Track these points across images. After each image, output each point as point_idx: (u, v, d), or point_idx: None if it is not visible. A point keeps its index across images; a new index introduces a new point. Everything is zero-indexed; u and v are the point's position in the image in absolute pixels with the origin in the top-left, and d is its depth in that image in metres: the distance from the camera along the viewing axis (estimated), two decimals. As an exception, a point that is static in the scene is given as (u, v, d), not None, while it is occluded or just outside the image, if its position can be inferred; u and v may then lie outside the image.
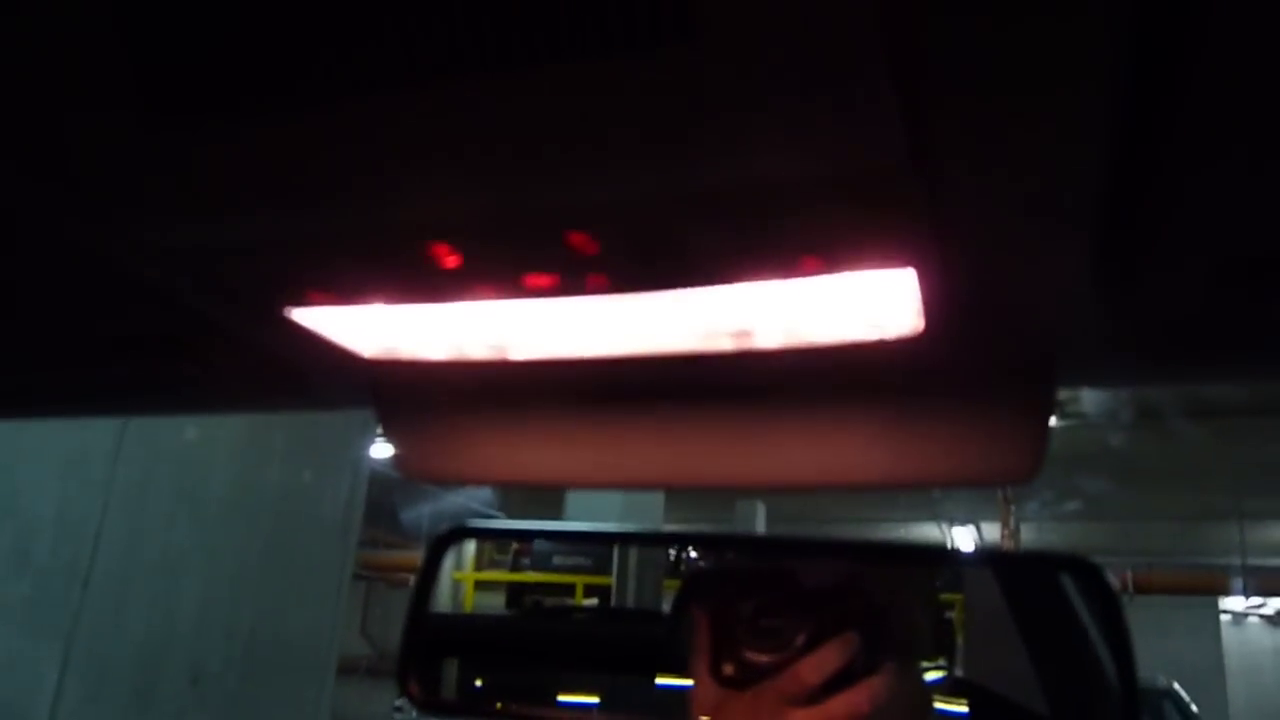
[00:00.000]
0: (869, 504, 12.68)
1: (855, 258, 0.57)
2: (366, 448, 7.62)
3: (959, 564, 1.33)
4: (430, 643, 1.03)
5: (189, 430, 5.44)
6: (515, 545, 13.54)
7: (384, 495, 12.68)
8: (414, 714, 13.26)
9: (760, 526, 13.30)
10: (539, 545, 12.80)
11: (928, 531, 14.89)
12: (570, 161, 0.51)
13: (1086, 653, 1.31)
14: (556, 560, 12.69)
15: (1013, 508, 12.90)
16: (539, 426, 0.89)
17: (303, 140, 0.52)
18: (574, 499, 7.63)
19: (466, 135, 0.50)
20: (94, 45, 0.49)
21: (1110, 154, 0.49)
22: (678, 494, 9.83)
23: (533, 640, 1.28)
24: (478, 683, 0.99)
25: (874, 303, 0.65)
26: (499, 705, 1.13)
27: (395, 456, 0.93)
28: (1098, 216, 0.55)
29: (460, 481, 0.95)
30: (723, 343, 0.73)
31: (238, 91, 0.49)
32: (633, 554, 8.15)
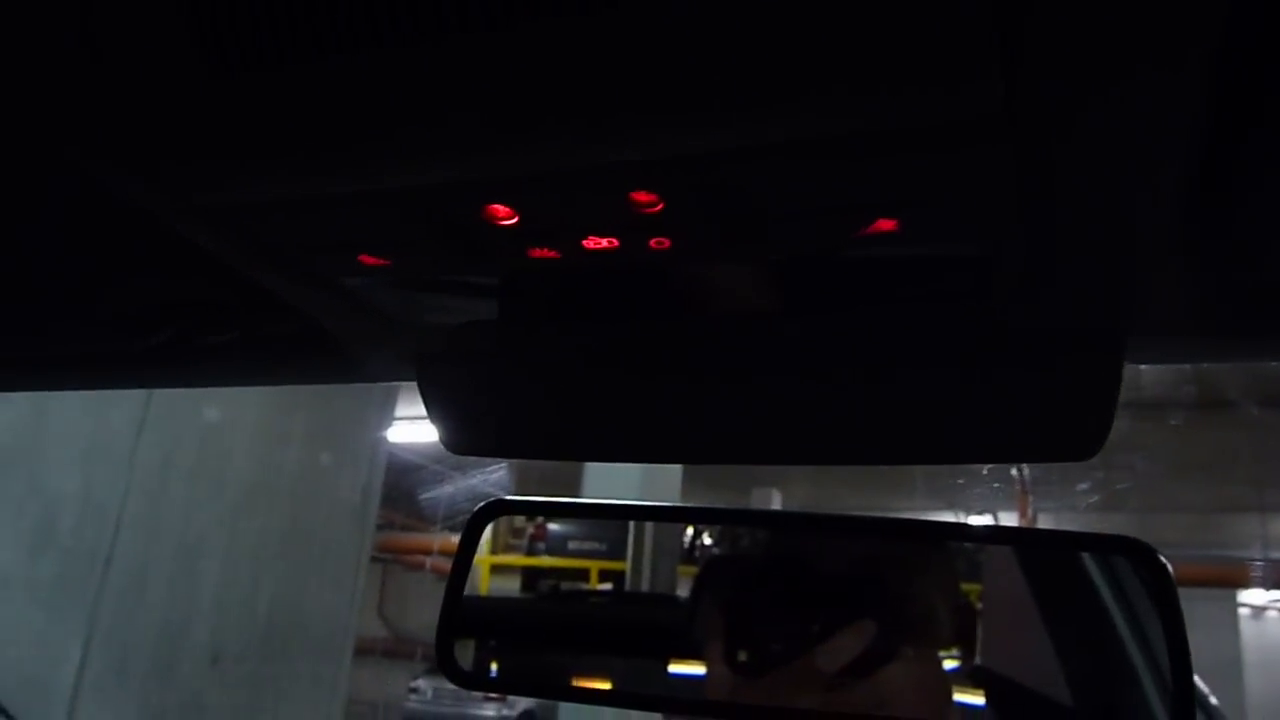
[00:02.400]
0: (885, 492, 12.63)
1: (931, 218, 0.55)
2: (384, 431, 7.65)
3: (1000, 543, 1.31)
4: (467, 622, 1.02)
5: (210, 413, 5.48)
6: (531, 530, 13.57)
7: (401, 478, 12.73)
8: (429, 695, 13.32)
9: (776, 514, 13.19)
10: (554, 530, 12.84)
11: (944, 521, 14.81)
12: (638, 115, 0.48)
13: (1112, 641, 1.30)
14: (572, 545, 12.72)
15: (1030, 498, 12.83)
16: (589, 400, 0.87)
17: (359, 96, 0.50)
18: (591, 480, 7.62)
19: (530, 87, 0.48)
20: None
21: (1204, 125, 0.48)
22: (693, 478, 9.82)
23: (559, 622, 1.28)
24: (494, 666, 0.99)
25: (943, 267, 0.63)
26: (538, 683, 1.12)
27: (438, 429, 0.93)
28: (1185, 187, 0.53)
29: (505, 455, 0.94)
30: (780, 310, 0.71)
31: (294, 45, 0.47)
32: (648, 539, 8.16)
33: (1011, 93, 0.44)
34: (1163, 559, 0.84)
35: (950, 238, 0.58)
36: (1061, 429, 0.74)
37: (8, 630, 4.24)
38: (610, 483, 7.26)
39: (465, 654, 1.03)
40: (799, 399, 0.80)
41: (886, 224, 0.55)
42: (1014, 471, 11.44)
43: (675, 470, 7.83)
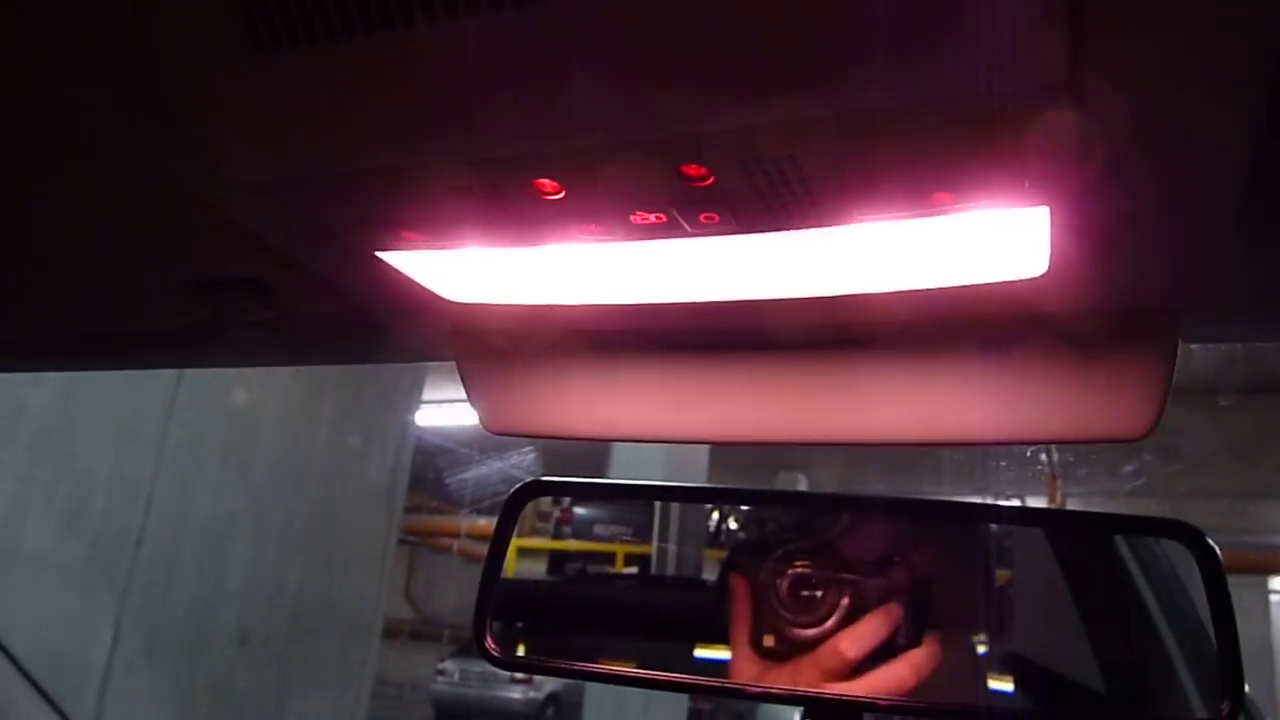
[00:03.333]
0: (913, 474, 12.58)
1: (990, 192, 0.53)
2: (412, 414, 7.70)
3: (1041, 525, 1.29)
4: (503, 603, 1.03)
5: (239, 394, 5.53)
6: (557, 515, 13.64)
7: (428, 461, 12.82)
8: (456, 676, 13.40)
9: (802, 498, 13.19)
10: (580, 514, 12.90)
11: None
12: (691, 87, 0.47)
13: (1145, 626, 1.29)
14: (598, 529, 12.78)
15: (1059, 483, 12.74)
16: (631, 378, 0.86)
17: (405, 70, 0.50)
18: (618, 461, 7.64)
19: (578, 59, 0.47)
20: None
21: (1268, 101, 0.46)
22: (718, 461, 9.81)
23: (589, 604, 1.28)
24: (527, 647, 0.99)
25: (998, 242, 0.61)
26: (575, 664, 1.12)
27: (476, 410, 0.92)
28: (1244, 164, 0.52)
29: (545, 436, 0.92)
30: (829, 286, 0.70)
31: (341, 19, 0.47)
32: (673, 523, 8.19)
33: (1078, 61, 0.43)
34: (1211, 542, 0.82)
35: (1006, 211, 0.56)
36: (1113, 408, 0.72)
37: (41, 610, 4.30)
38: (636, 466, 7.27)
39: (499, 635, 1.03)
40: (847, 377, 0.79)
41: (944, 199, 0.54)
42: (1043, 455, 11.36)
43: (701, 453, 7.84)
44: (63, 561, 4.48)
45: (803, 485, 13.55)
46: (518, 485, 1.03)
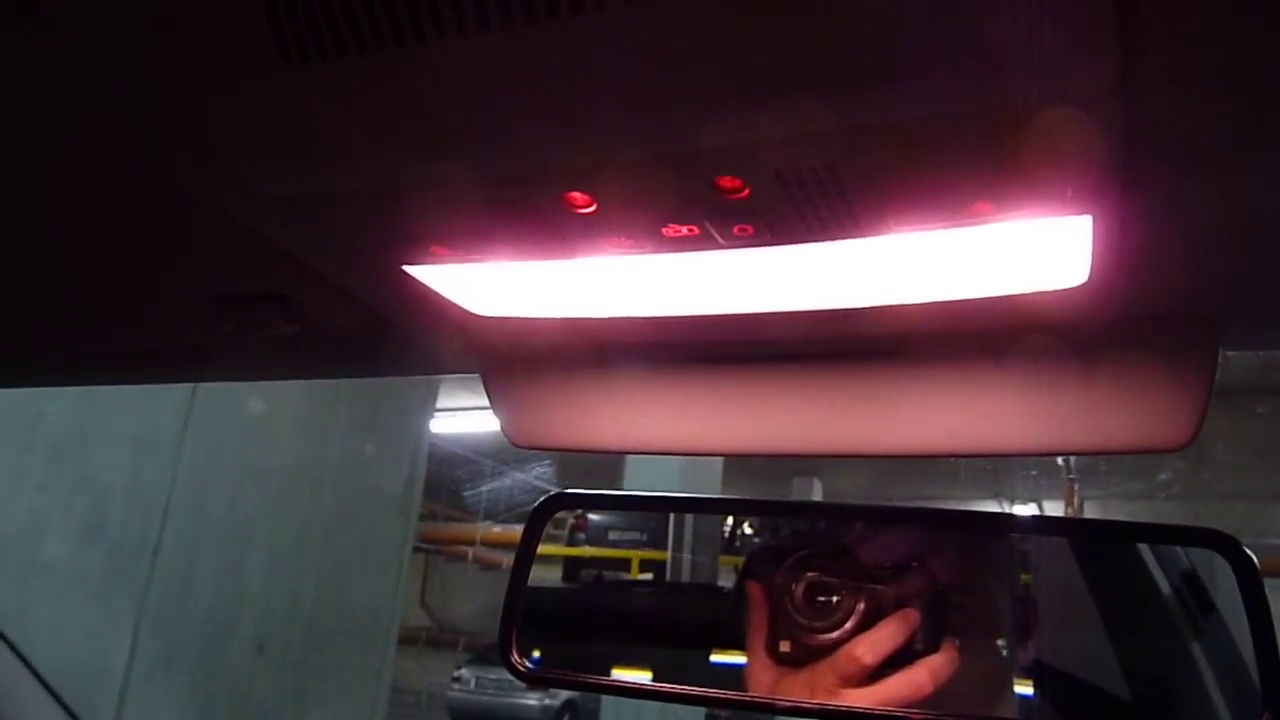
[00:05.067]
0: (930, 480, 12.55)
1: (1032, 201, 0.52)
2: (427, 423, 7.72)
3: (1071, 535, 1.28)
4: (528, 613, 1.02)
5: (255, 404, 5.55)
6: (572, 521, 13.64)
7: (443, 470, 12.85)
8: (472, 684, 13.37)
9: (817, 504, 13.17)
10: (595, 521, 12.90)
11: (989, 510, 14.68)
12: (727, 98, 0.46)
13: (1170, 635, 1.27)
14: (612, 536, 12.78)
15: (1077, 486, 12.67)
16: (658, 391, 0.85)
17: (434, 84, 0.49)
18: (632, 472, 7.64)
19: (612, 71, 0.46)
20: None
21: None
22: (731, 469, 9.80)
23: (608, 612, 1.28)
24: (535, 653, 0.99)
25: (1036, 251, 0.60)
26: (604, 679, 1.11)
27: (501, 423, 0.91)
28: None
29: (571, 449, 0.92)
30: (860, 298, 0.68)
31: (371, 32, 0.47)
32: (688, 530, 8.18)
33: (1127, 68, 0.42)
34: (1248, 551, 0.81)
35: (1048, 220, 0.55)
36: (1152, 418, 0.71)
37: (59, 619, 4.33)
38: (651, 471, 7.27)
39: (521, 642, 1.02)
40: (879, 388, 0.78)
41: (982, 206, 0.53)
42: (1059, 461, 11.30)
43: (716, 461, 7.82)
44: (81, 571, 4.51)
45: (817, 490, 13.53)
46: (542, 499, 1.03)
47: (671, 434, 0.86)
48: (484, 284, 0.74)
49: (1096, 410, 0.72)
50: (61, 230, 0.81)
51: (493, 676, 12.72)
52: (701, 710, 7.91)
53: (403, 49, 0.47)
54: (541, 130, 0.51)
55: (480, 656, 13.61)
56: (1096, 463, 11.11)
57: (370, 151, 0.55)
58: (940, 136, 0.47)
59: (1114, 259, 0.59)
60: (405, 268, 0.71)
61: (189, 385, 4.95)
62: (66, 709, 1.52)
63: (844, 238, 0.58)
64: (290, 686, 5.83)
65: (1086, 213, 0.54)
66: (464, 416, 11.30)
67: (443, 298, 0.76)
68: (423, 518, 10.55)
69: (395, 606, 6.98)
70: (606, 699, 7.56)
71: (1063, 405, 0.73)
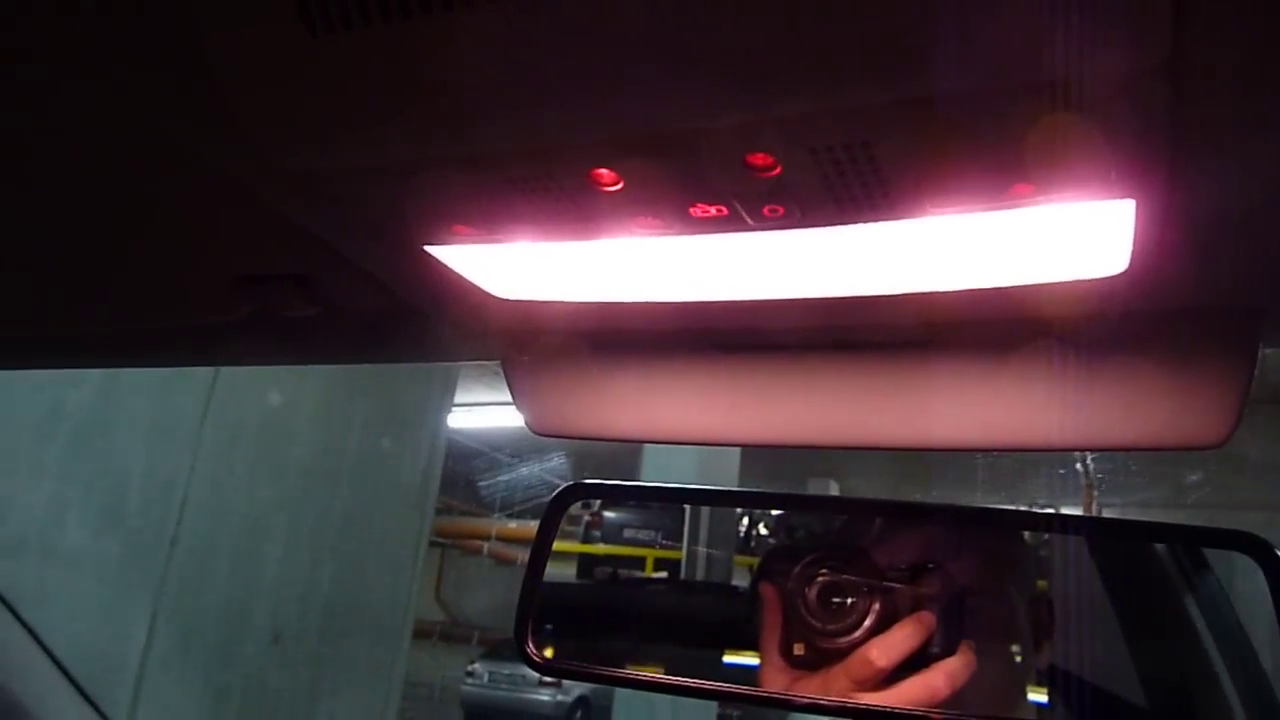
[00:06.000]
0: (946, 483, 12.49)
1: (1074, 184, 0.50)
2: (444, 417, 7.74)
3: (1097, 534, 1.27)
4: (544, 607, 1.02)
5: (273, 396, 5.58)
6: (587, 518, 13.66)
7: (459, 464, 12.89)
8: (485, 678, 13.40)
9: (833, 505, 13.12)
10: (610, 518, 12.91)
11: (1005, 514, 14.59)
12: (760, 70, 0.45)
13: (1189, 640, 1.25)
14: (627, 533, 12.80)
15: (1095, 492, 12.58)
16: (681, 379, 0.84)
17: (459, 56, 0.48)
18: (649, 464, 7.62)
19: (640, 43, 0.45)
20: None
21: None
22: (747, 470, 9.77)
23: (623, 609, 1.27)
24: (548, 652, 0.99)
25: (1076, 237, 0.58)
26: (616, 672, 1.11)
27: (522, 411, 0.90)
28: None
29: (593, 437, 0.90)
30: (892, 284, 0.66)
31: (396, 2, 0.45)
32: (703, 529, 8.16)
33: (1179, 41, 0.40)
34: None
35: (1088, 204, 0.53)
36: (1189, 414, 0.69)
37: (77, 607, 4.36)
38: (667, 467, 7.25)
39: (536, 637, 1.02)
40: (909, 379, 0.76)
41: (1022, 188, 0.51)
42: (1078, 465, 11.23)
43: (733, 456, 7.80)
44: (99, 559, 4.54)
45: (834, 492, 13.48)
46: (559, 489, 1.02)
47: (694, 424, 0.84)
48: (505, 266, 0.73)
49: (1130, 405, 0.70)
50: (83, 210, 0.81)
51: (506, 671, 12.76)
52: (713, 709, 7.91)
53: (429, 17, 0.46)
54: (569, 104, 0.49)
55: (494, 651, 13.65)
56: (1113, 469, 11.02)
57: (394, 125, 0.54)
58: (979, 113, 0.45)
59: (1155, 247, 0.57)
60: (427, 248, 0.70)
61: (209, 376, 4.97)
62: (84, 695, 1.53)
63: (878, 220, 0.56)
64: (305, 677, 5.86)
65: (1130, 197, 0.52)
66: (481, 411, 11.34)
67: (464, 280, 0.75)
68: (439, 512, 10.58)
69: (410, 600, 7.00)
70: (619, 696, 7.56)
71: (1097, 399, 0.70)
